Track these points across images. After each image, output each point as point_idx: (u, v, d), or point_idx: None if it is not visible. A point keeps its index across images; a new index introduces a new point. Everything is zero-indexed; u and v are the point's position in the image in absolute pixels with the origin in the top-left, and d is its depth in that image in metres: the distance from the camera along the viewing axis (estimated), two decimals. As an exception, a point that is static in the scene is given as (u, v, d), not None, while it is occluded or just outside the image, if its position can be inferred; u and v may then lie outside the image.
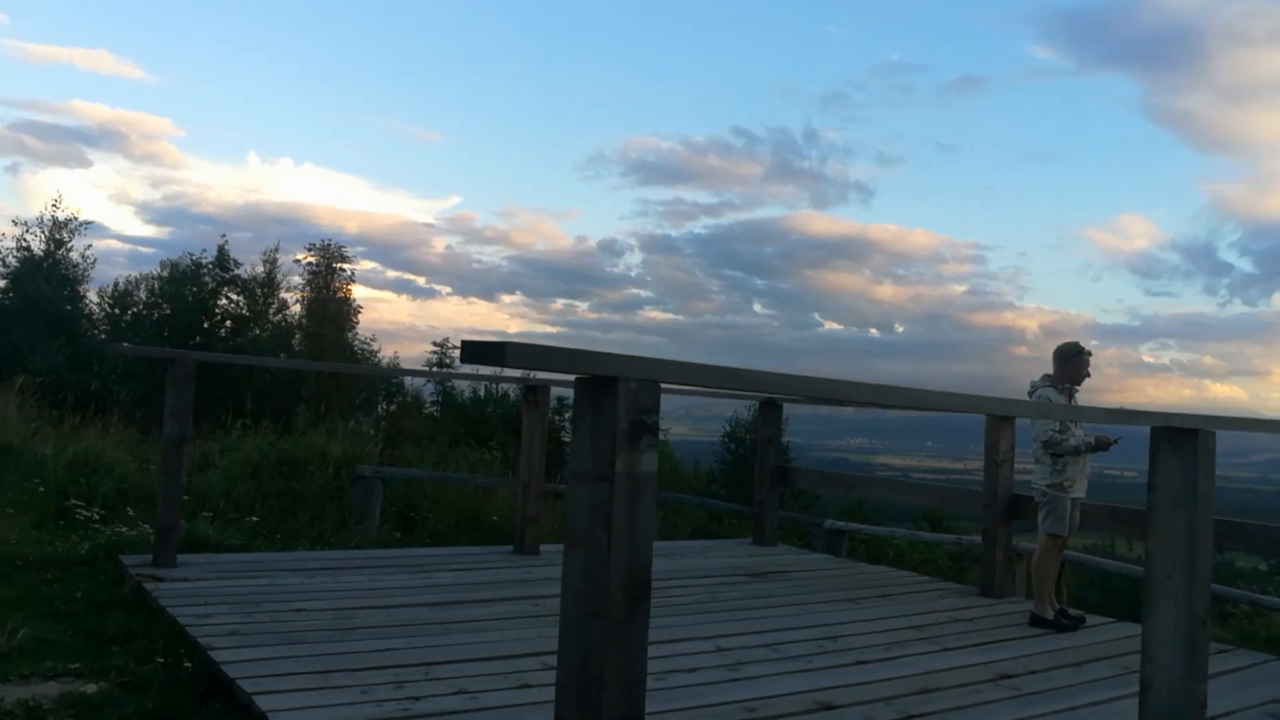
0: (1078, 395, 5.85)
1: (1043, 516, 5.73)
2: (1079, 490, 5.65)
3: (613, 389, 2.00)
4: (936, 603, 6.20)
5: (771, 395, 7.48)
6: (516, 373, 8.38)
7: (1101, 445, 5.55)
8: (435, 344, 19.79)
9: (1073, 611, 5.81)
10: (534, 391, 7.01)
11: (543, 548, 7.18)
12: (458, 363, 19.49)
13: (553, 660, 4.41)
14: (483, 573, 6.28)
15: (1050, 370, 5.84)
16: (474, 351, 1.91)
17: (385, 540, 8.35)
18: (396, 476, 9.44)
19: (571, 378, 2.10)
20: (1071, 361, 5.76)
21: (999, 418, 6.49)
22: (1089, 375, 5.77)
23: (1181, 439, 3.37)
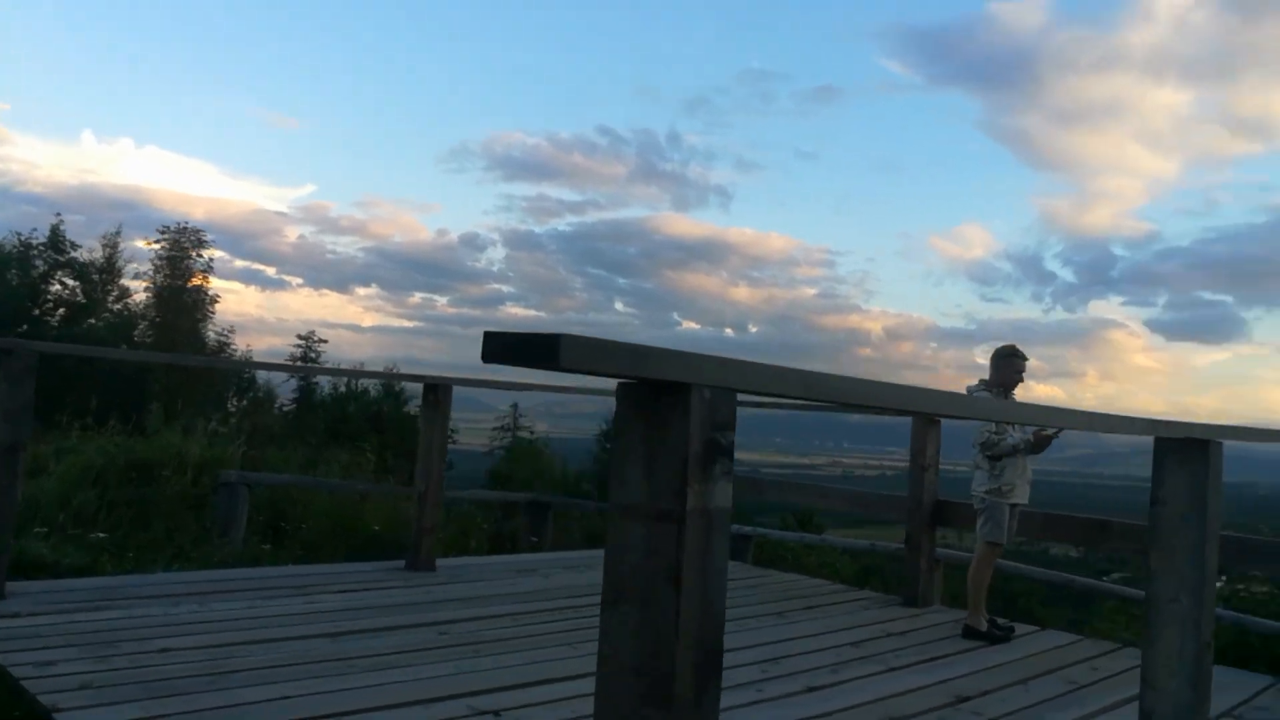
0: (1013, 398, 5.71)
1: (981, 523, 5.54)
2: (1019, 496, 5.48)
3: (682, 398, 1.50)
4: (863, 615, 5.94)
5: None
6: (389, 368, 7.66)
7: (1040, 444, 5.40)
8: (300, 337, 18.55)
9: (1001, 621, 5.65)
10: (435, 391, 6.36)
11: (439, 562, 6.54)
12: (324, 357, 18.29)
13: (481, 703, 3.95)
14: (376, 594, 5.60)
15: (987, 375, 5.69)
16: (507, 348, 1.38)
17: (254, 555, 7.49)
18: (265, 482, 8.54)
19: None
20: (1005, 364, 5.60)
21: (926, 420, 6.30)
22: (1022, 380, 5.62)
23: (1191, 451, 3.14)
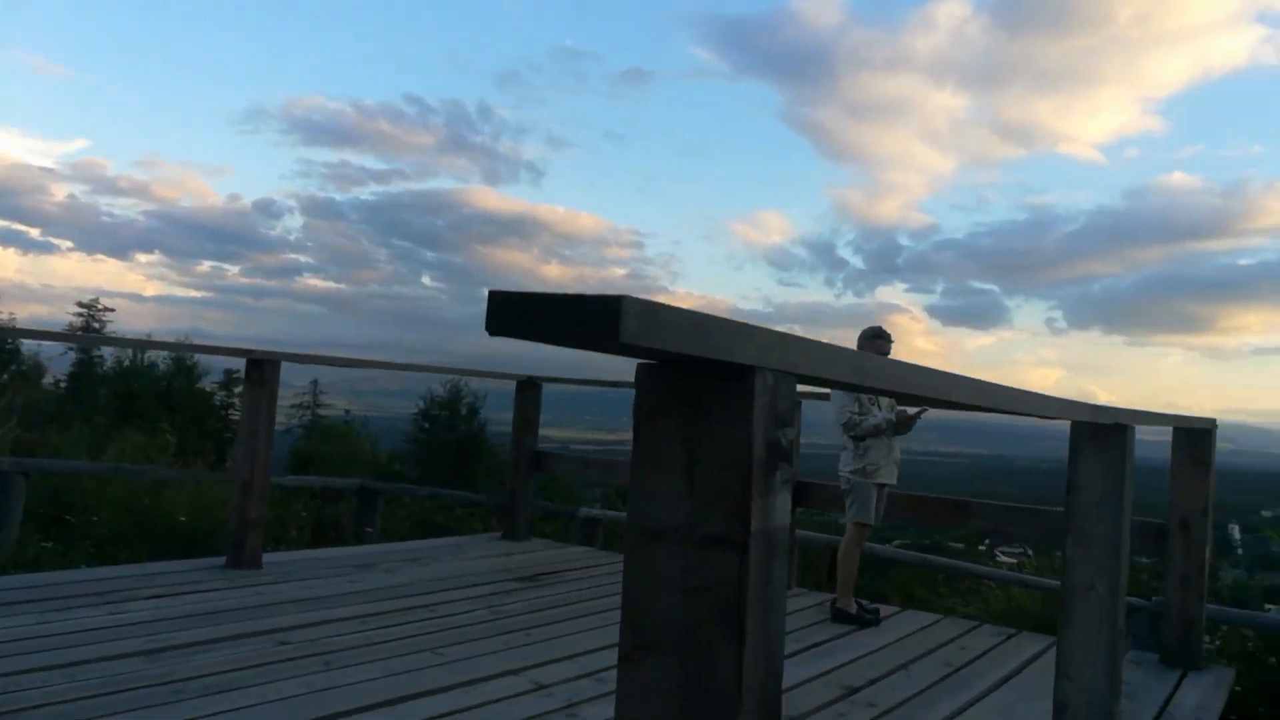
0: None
1: (849, 504, 5.48)
2: (885, 476, 5.45)
3: (743, 385, 1.15)
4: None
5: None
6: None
7: (903, 424, 5.38)
8: (82, 305, 16.63)
9: (867, 604, 5.64)
10: (260, 367, 5.63)
11: (265, 558, 5.85)
12: (110, 326, 16.48)
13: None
14: (196, 599, 4.89)
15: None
16: (534, 314, 0.97)
17: (34, 556, 6.49)
18: (47, 469, 7.44)
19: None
20: (869, 345, 5.56)
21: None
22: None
23: (1107, 436, 3.08)
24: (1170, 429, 4.78)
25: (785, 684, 3.78)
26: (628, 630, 1.21)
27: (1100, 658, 3.07)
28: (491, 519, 9.66)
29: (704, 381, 1.17)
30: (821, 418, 5.88)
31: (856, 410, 5.41)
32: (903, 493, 5.62)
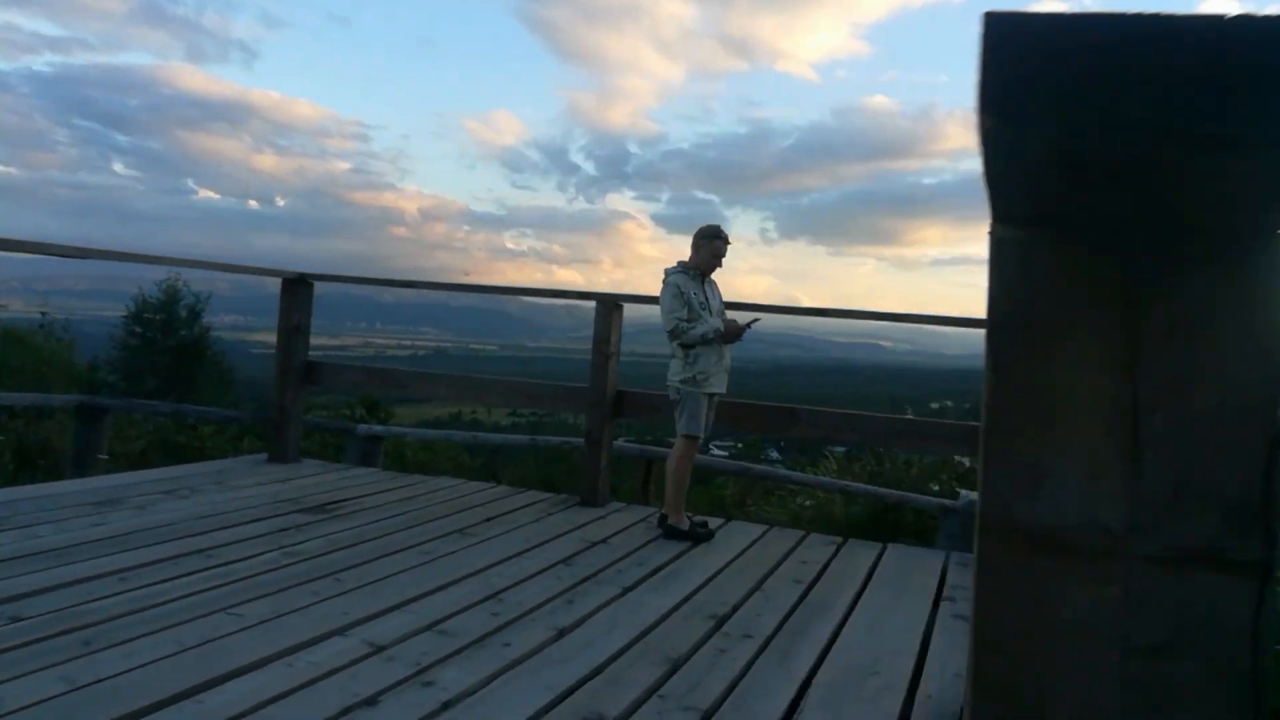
0: (713, 284, 5.31)
1: (678, 415, 5.12)
2: (715, 385, 5.12)
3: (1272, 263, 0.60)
4: (554, 522, 5.29)
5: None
6: None
7: (733, 333, 5.06)
8: None
9: (697, 518, 5.36)
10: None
11: None
12: None
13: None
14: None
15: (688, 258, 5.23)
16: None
17: None
18: None
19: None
20: (706, 245, 5.17)
21: (612, 305, 5.70)
22: (721, 263, 5.23)
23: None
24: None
25: (649, 617, 3.34)
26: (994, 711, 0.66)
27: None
28: (244, 440, 8.50)
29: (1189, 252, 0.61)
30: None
31: (685, 317, 5.02)
32: (729, 400, 5.34)
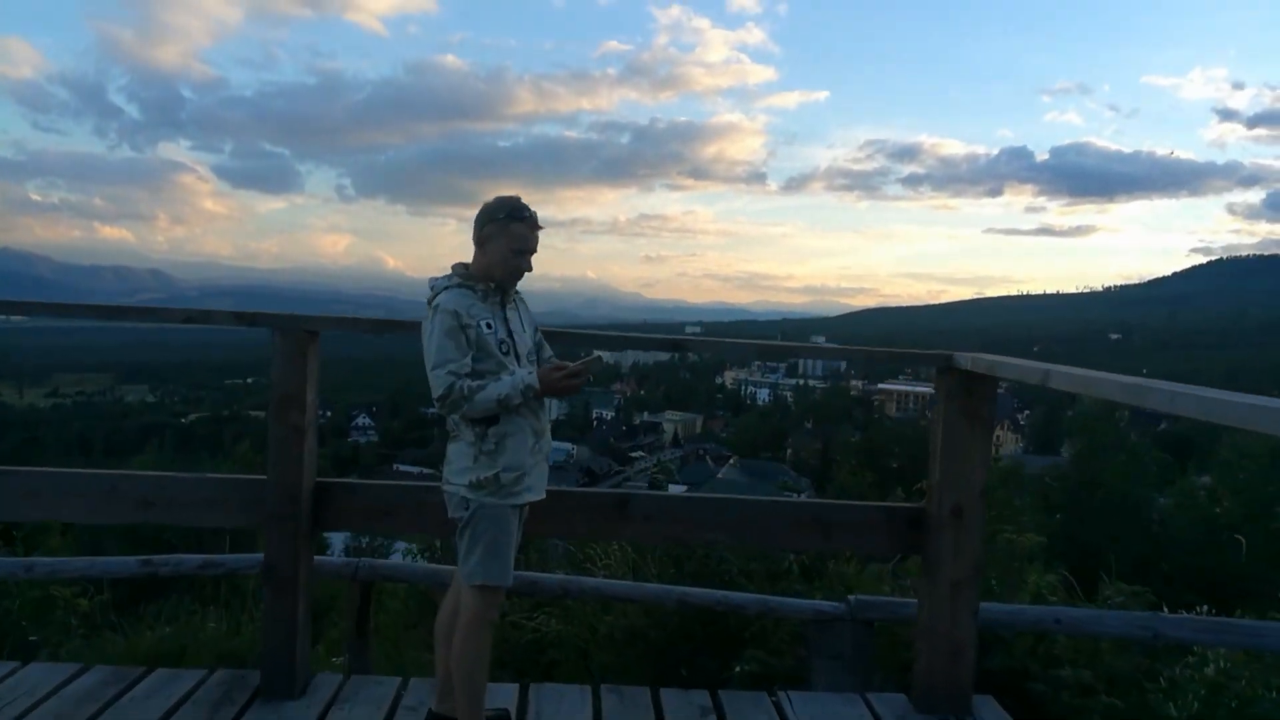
0: (520, 303, 3.04)
1: (463, 547, 2.82)
2: (533, 489, 2.89)
3: None
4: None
5: None
6: None
7: (558, 388, 2.85)
8: None
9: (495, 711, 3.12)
10: None
11: None
12: None
13: None
14: None
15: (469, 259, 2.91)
16: None
17: None
18: None
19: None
20: (501, 234, 2.87)
21: (300, 335, 3.17)
22: (529, 266, 2.94)
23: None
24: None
25: None
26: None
27: None
28: None
29: None
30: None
31: (467, 369, 2.74)
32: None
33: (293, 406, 3.16)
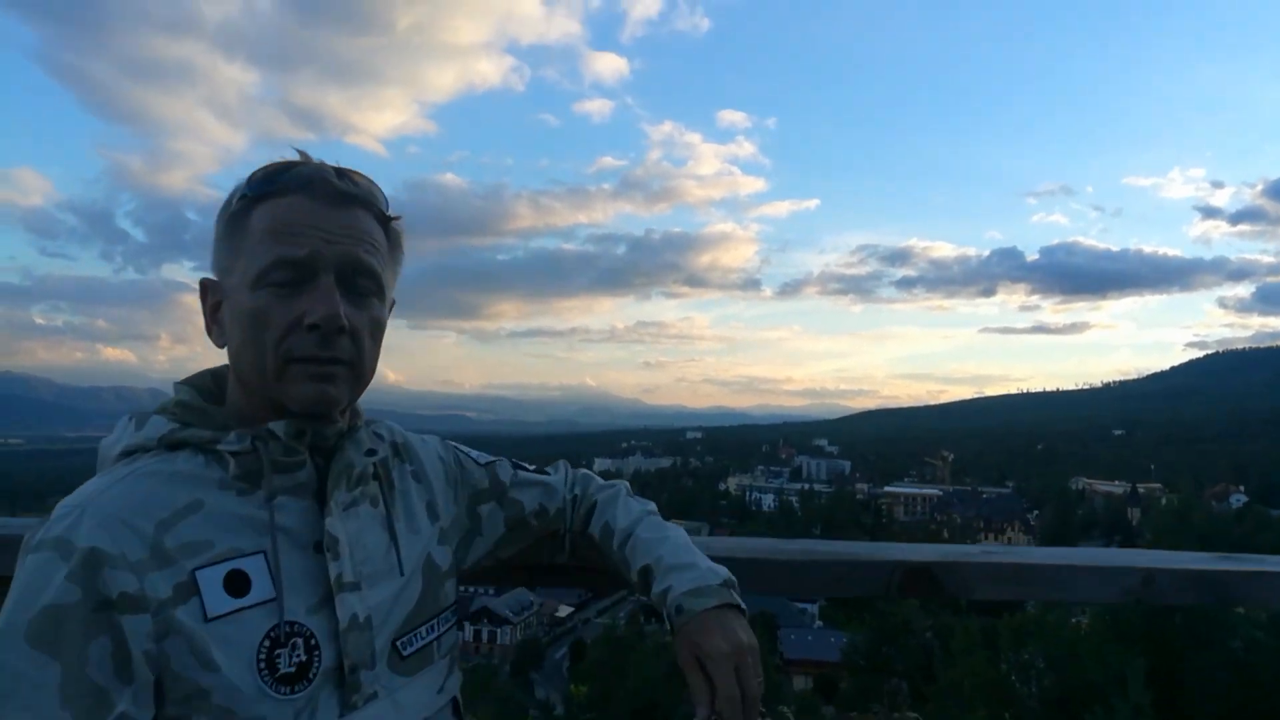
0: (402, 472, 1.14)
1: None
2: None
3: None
4: None
5: None
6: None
7: None
8: None
9: None
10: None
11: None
12: None
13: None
14: None
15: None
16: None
17: None
18: None
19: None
20: (255, 244, 1.13)
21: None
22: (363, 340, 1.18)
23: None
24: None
25: None
26: None
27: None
28: None
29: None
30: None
31: None
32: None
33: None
